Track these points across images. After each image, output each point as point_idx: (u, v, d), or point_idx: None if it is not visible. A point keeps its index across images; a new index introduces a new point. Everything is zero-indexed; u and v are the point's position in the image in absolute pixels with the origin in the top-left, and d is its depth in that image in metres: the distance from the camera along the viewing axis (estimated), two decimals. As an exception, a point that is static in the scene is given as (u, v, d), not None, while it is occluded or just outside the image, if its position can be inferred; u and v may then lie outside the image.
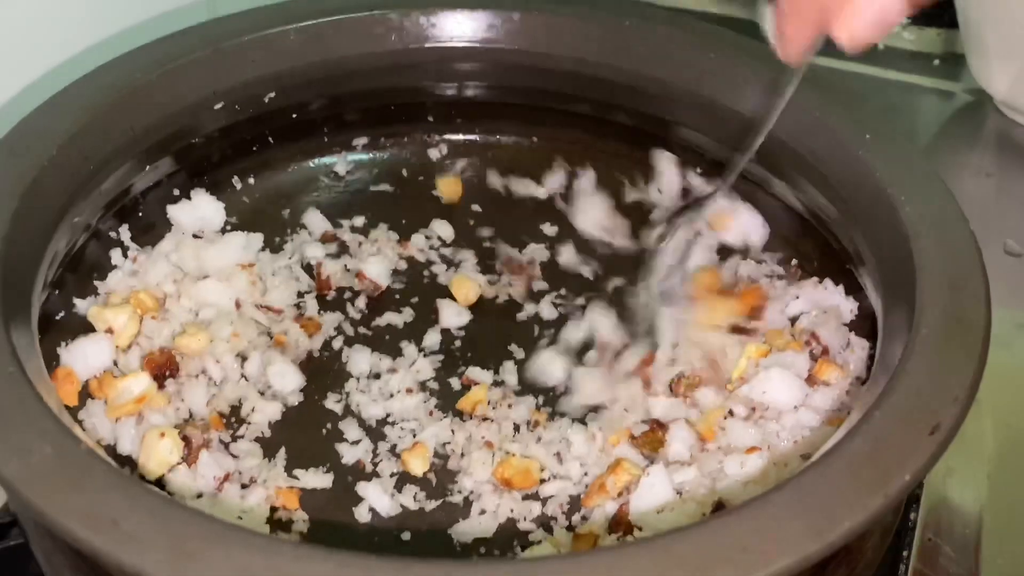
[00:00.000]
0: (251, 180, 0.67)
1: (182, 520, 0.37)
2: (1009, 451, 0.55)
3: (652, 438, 0.53)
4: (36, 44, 0.66)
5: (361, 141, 0.71)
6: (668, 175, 0.66)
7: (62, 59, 0.68)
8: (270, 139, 0.68)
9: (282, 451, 0.53)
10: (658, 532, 0.38)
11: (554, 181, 0.68)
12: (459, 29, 0.67)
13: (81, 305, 0.56)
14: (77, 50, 0.69)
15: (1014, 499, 0.52)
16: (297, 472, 0.52)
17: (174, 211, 0.62)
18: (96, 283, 0.58)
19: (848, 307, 0.58)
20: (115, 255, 0.60)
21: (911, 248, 0.50)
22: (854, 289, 0.58)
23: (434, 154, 0.70)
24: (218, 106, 0.63)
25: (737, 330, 0.57)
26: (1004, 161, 0.76)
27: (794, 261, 0.62)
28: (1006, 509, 0.51)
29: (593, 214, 0.64)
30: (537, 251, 0.64)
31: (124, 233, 0.61)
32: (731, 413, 0.53)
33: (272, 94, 0.65)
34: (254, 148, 0.67)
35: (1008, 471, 0.53)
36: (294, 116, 0.66)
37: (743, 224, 0.63)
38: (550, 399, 0.56)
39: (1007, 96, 0.77)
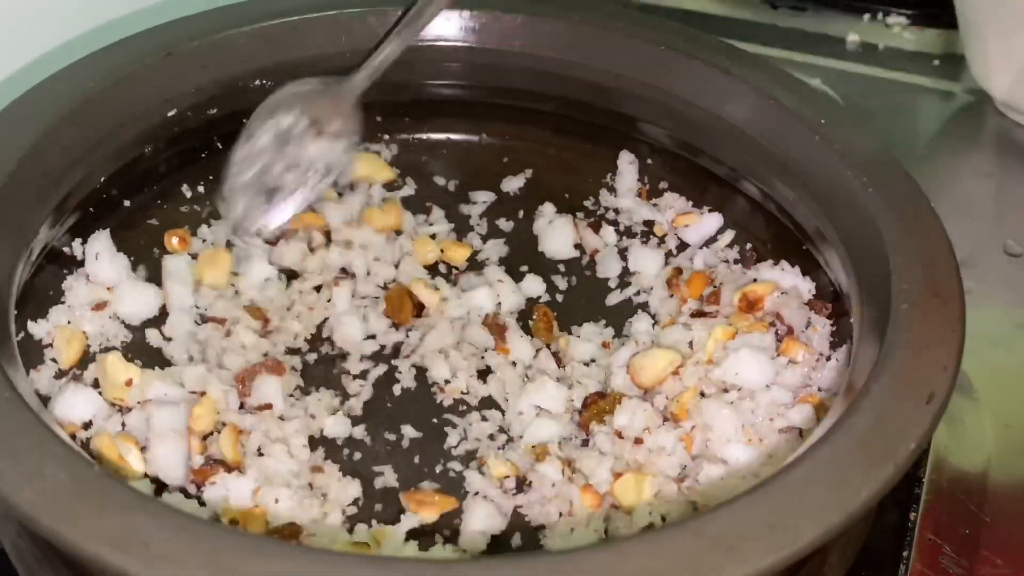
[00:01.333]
0: (200, 188, 0.69)
1: (212, 536, 0.39)
2: (1009, 451, 0.58)
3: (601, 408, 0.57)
4: (30, 31, 0.70)
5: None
6: (626, 174, 0.71)
7: (57, 44, 0.72)
8: (219, 145, 0.69)
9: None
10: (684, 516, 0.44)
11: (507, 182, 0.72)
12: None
13: (35, 328, 0.59)
14: (72, 36, 0.73)
15: (1014, 499, 0.56)
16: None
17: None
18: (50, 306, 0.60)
19: (806, 287, 0.62)
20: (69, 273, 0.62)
21: (877, 226, 0.55)
22: (810, 269, 0.63)
23: (386, 155, 0.74)
24: (171, 113, 0.65)
25: (697, 314, 0.62)
26: (1004, 161, 0.81)
27: (748, 245, 0.67)
28: (1006, 509, 0.55)
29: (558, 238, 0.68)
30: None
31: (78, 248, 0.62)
32: (703, 395, 0.57)
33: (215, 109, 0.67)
34: (202, 155, 0.69)
35: (1008, 471, 0.57)
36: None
37: (703, 224, 0.69)
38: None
39: (1007, 96, 0.83)
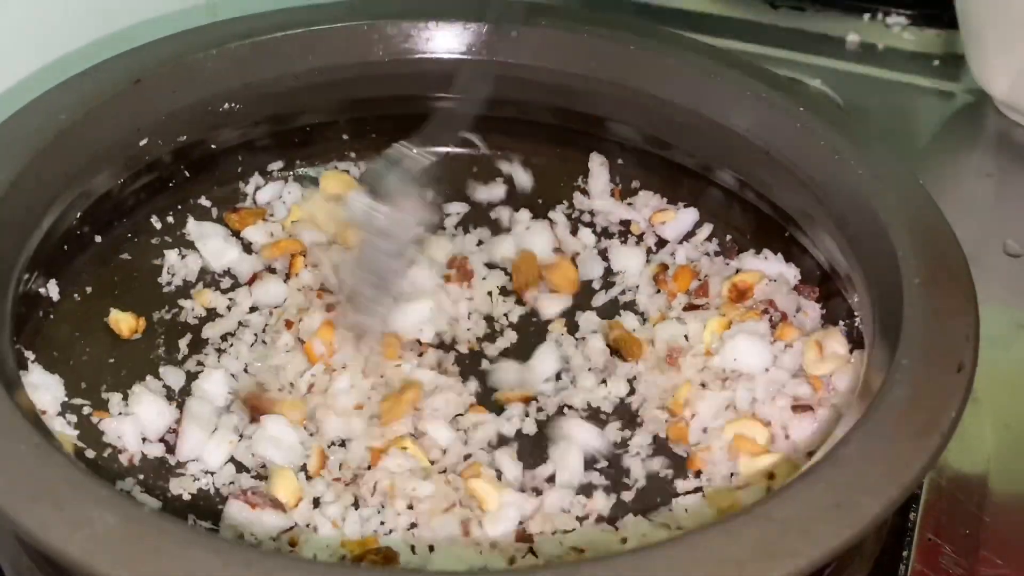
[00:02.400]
0: (169, 219, 0.69)
1: (276, 567, 0.39)
2: (1009, 451, 0.60)
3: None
4: (32, 42, 0.71)
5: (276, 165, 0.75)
6: (598, 176, 0.74)
7: (59, 56, 0.73)
8: (186, 173, 0.70)
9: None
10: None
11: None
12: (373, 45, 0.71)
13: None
14: (77, 46, 0.73)
15: (1014, 499, 0.57)
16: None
17: None
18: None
19: (791, 273, 0.66)
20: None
21: (874, 207, 0.57)
22: (793, 255, 0.66)
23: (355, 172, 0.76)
24: (142, 142, 0.65)
25: (689, 308, 0.65)
26: (1004, 161, 0.85)
27: (728, 236, 0.71)
28: (1006, 509, 0.56)
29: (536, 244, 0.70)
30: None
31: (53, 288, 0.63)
32: (703, 385, 0.60)
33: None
34: (170, 184, 0.70)
35: (1008, 471, 0.59)
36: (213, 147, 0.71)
37: (680, 219, 0.71)
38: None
39: (1007, 96, 0.88)
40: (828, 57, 0.94)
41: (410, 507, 0.54)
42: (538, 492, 0.56)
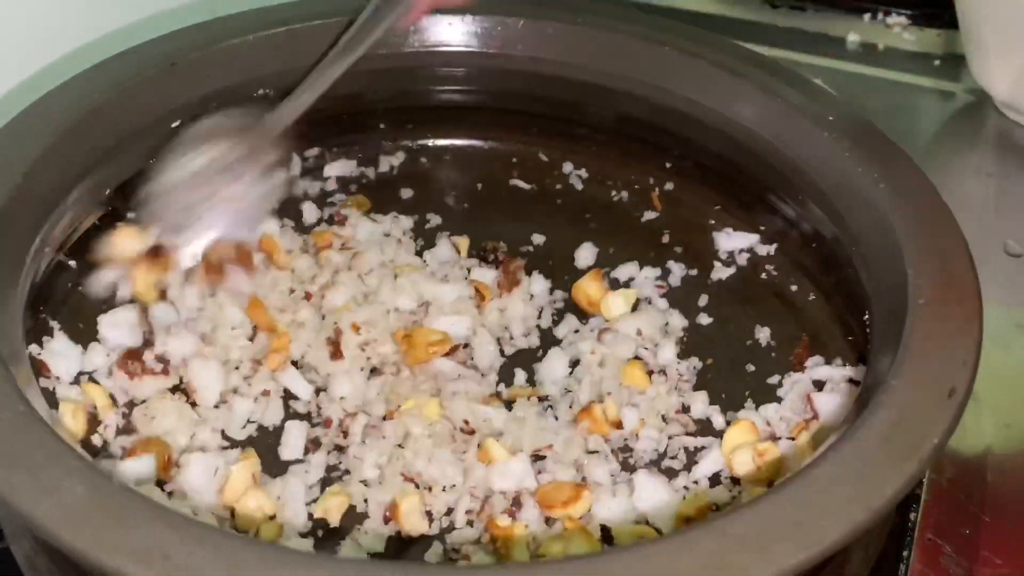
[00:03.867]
0: None
1: (234, 547, 0.39)
2: (1009, 451, 0.58)
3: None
4: (34, 40, 0.70)
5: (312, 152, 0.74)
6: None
7: (59, 55, 0.71)
8: None
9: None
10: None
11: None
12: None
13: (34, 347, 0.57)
14: (76, 46, 0.72)
15: (1014, 499, 0.55)
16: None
17: None
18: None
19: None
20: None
21: (890, 222, 0.55)
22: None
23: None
24: (175, 124, 0.64)
25: None
26: (1004, 161, 0.82)
27: None
28: (1006, 509, 0.55)
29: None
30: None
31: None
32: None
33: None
34: None
35: (1008, 471, 0.57)
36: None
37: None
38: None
39: (1007, 96, 0.84)
40: (828, 57, 0.91)
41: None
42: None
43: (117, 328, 0.59)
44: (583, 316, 0.63)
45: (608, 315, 0.62)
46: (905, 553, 0.51)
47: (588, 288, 0.63)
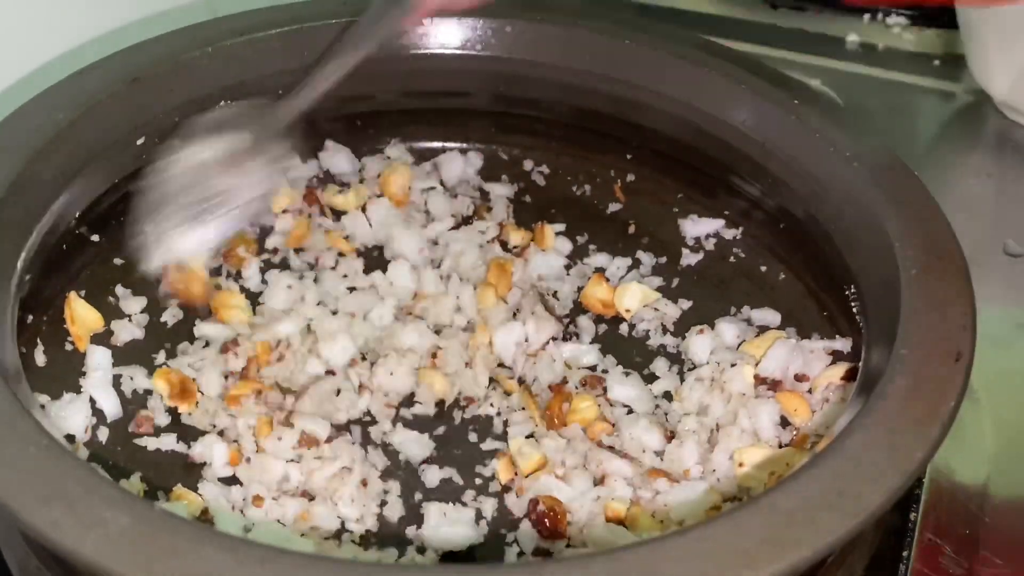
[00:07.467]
0: None
1: (291, 565, 0.40)
2: (1009, 451, 0.61)
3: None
4: (31, 39, 0.72)
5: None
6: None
7: (58, 53, 0.73)
8: None
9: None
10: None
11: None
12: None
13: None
14: (74, 44, 0.74)
15: (1014, 499, 0.58)
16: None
17: None
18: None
19: None
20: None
21: (869, 199, 0.58)
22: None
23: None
24: (139, 141, 0.65)
25: None
26: (1004, 161, 0.86)
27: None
28: (1006, 509, 0.57)
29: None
30: None
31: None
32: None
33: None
34: None
35: (1008, 471, 0.60)
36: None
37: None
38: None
39: (1007, 97, 0.89)
40: (828, 57, 0.95)
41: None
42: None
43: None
44: (600, 319, 0.68)
45: (624, 308, 0.66)
46: (905, 553, 0.55)
47: (596, 292, 0.68)
